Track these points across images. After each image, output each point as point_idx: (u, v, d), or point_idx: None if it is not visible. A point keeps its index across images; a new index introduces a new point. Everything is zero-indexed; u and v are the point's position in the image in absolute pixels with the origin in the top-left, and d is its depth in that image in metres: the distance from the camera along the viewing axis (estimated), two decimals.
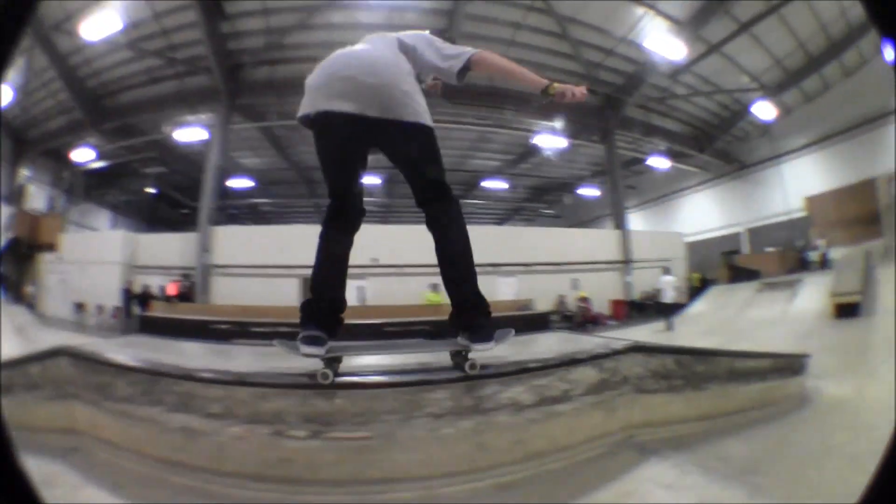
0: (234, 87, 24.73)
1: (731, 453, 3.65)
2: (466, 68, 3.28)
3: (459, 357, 3.13)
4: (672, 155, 32.26)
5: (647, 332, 16.91)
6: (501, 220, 40.68)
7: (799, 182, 28.97)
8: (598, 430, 3.31)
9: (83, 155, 27.69)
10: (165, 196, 33.76)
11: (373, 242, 23.15)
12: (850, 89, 26.03)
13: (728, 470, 3.33)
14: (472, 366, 2.97)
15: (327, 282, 3.07)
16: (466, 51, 3.31)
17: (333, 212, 3.09)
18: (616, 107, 28.81)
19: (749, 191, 31.82)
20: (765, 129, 29.98)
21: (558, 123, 28.16)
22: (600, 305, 25.81)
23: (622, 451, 3.34)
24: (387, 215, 34.47)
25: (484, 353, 3.07)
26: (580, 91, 3.21)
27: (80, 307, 23.31)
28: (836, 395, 6.11)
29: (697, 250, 32.53)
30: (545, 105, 3.30)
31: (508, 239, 26.83)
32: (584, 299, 24.86)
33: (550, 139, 29.02)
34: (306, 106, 3.08)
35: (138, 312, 21.55)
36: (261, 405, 2.75)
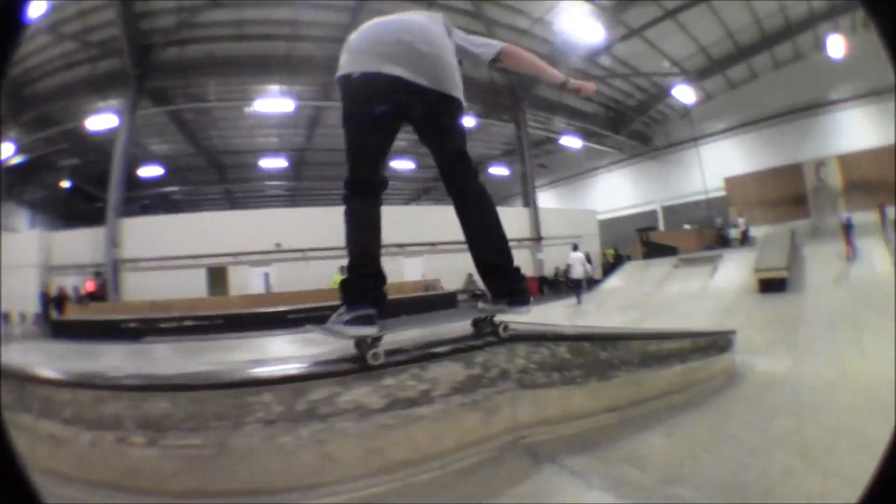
0: (143, 69, 23.17)
1: (649, 452, 2.95)
2: (496, 59, 3.22)
3: (484, 323, 3.06)
4: (585, 135, 32.25)
5: (559, 308, 16.29)
6: (411, 201, 40.22)
7: (718, 163, 29.69)
8: (475, 434, 2.74)
9: (4, 150, 25.56)
10: (80, 189, 31.94)
11: (276, 227, 22.10)
12: (780, 80, 26.88)
13: (644, 478, 2.62)
14: (506, 328, 2.95)
15: (368, 255, 2.82)
16: (496, 43, 3.26)
17: (361, 183, 2.85)
18: (527, 87, 28.41)
19: (666, 171, 32.50)
20: (684, 112, 30.27)
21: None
22: None
23: (509, 457, 2.73)
24: (295, 198, 33.70)
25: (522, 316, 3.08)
26: (591, 86, 3.31)
27: (6, 317, 21.26)
28: (769, 372, 5.50)
29: (612, 227, 33.24)
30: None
31: (414, 218, 25.81)
32: None
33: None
34: (350, 65, 2.84)
35: (56, 316, 20.05)
36: (102, 409, 2.44)
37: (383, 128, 2.84)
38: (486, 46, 3.20)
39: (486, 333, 2.92)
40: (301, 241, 21.85)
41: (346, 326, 2.52)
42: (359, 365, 2.47)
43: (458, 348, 2.73)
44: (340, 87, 2.86)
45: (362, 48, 2.84)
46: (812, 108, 26.11)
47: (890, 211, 18.10)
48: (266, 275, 22.57)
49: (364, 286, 2.70)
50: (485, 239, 3.04)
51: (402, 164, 33.41)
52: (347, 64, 2.83)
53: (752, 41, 25.27)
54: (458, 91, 2.92)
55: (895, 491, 1.15)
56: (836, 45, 22.57)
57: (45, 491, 1.39)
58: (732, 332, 5.71)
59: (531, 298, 3.06)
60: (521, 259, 26.08)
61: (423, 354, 2.65)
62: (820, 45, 23.62)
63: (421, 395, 2.56)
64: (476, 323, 3.06)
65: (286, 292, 19.17)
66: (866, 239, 15.48)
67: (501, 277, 3.04)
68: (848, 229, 15.83)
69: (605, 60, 26.42)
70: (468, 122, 28.08)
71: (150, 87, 24.17)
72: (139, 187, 29.70)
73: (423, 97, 2.79)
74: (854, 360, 5.98)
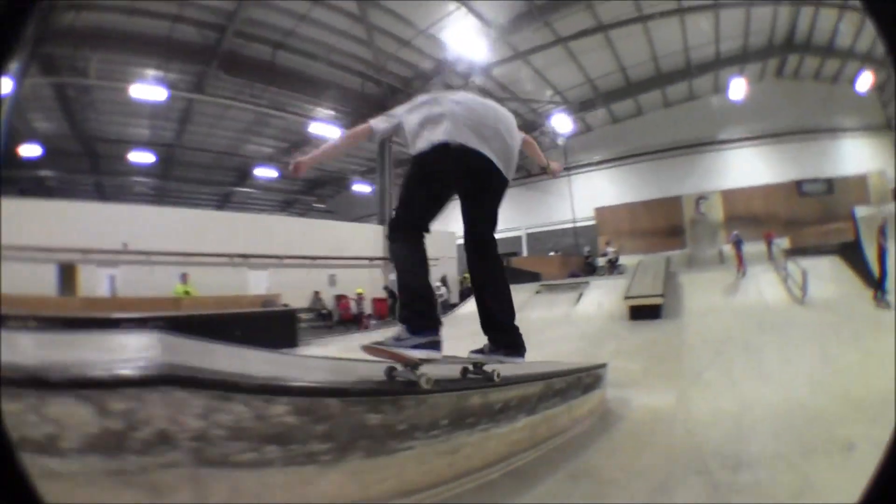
0: (41, 30, 20.40)
1: None
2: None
3: (475, 369, 3.12)
4: None
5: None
6: (273, 212, 38.15)
7: (590, 193, 29.62)
8: None
9: None
10: None
11: (128, 225, 19.81)
12: (668, 119, 27.11)
13: None
14: (499, 375, 3.03)
15: (427, 287, 3.00)
16: (521, 133, 3.54)
17: (424, 228, 3.08)
18: (398, 100, 27.04)
19: (534, 198, 31.81)
20: (559, 141, 29.70)
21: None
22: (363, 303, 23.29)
23: None
24: (161, 196, 31.00)
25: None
26: (559, 167, 4.08)
27: None
28: (653, 409, 4.49)
29: None
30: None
31: (261, 229, 23.30)
32: (360, 296, 22.52)
33: (325, 128, 26.38)
34: (451, 134, 3.07)
35: None
36: None
37: (450, 192, 3.13)
38: (519, 134, 3.47)
39: (395, 379, 2.58)
40: (151, 244, 19.37)
41: (416, 350, 2.63)
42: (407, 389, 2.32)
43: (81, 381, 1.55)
44: (435, 149, 2.99)
45: (468, 125, 3.07)
46: (697, 146, 26.37)
47: (778, 242, 18.29)
48: (112, 277, 20.27)
49: (429, 315, 2.84)
50: (494, 298, 3.25)
51: (264, 172, 32.02)
52: (450, 133, 3.03)
53: (645, 77, 24.99)
54: (512, 175, 3.23)
55: (895, 491, 1.12)
56: (738, 88, 23.01)
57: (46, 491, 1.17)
58: (602, 366, 4.70)
59: (524, 351, 3.16)
60: (374, 279, 24.43)
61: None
62: (720, 87, 24.18)
63: (46, 440, 1.51)
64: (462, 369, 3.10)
65: (129, 298, 17.22)
66: (751, 268, 15.19)
67: (503, 332, 3.18)
68: (738, 244, 16.46)
69: (484, 81, 25.01)
70: (334, 133, 26.44)
71: (42, 52, 21.65)
72: (19, 167, 27.24)
73: (495, 178, 3.14)
74: (757, 387, 5.08)
